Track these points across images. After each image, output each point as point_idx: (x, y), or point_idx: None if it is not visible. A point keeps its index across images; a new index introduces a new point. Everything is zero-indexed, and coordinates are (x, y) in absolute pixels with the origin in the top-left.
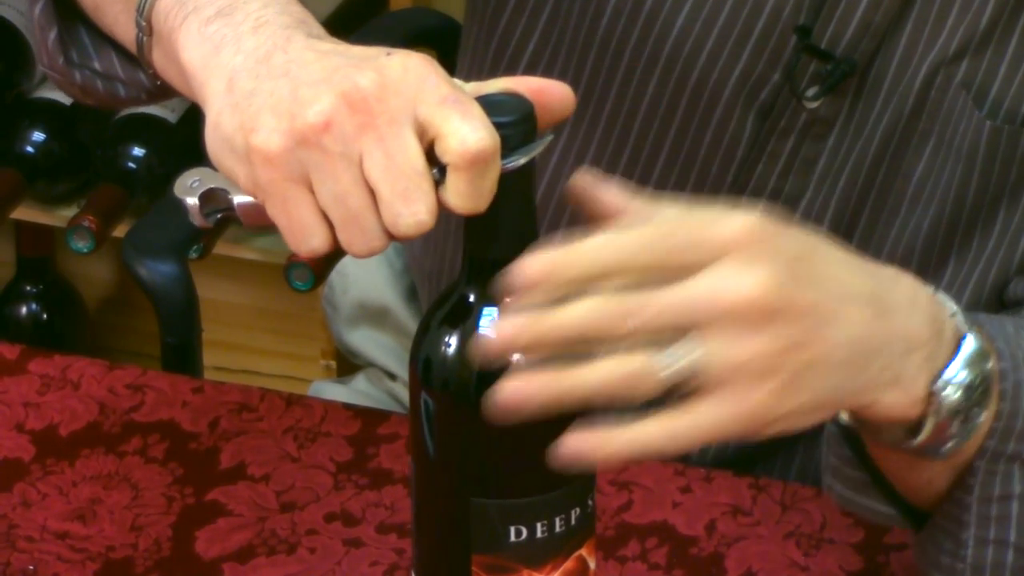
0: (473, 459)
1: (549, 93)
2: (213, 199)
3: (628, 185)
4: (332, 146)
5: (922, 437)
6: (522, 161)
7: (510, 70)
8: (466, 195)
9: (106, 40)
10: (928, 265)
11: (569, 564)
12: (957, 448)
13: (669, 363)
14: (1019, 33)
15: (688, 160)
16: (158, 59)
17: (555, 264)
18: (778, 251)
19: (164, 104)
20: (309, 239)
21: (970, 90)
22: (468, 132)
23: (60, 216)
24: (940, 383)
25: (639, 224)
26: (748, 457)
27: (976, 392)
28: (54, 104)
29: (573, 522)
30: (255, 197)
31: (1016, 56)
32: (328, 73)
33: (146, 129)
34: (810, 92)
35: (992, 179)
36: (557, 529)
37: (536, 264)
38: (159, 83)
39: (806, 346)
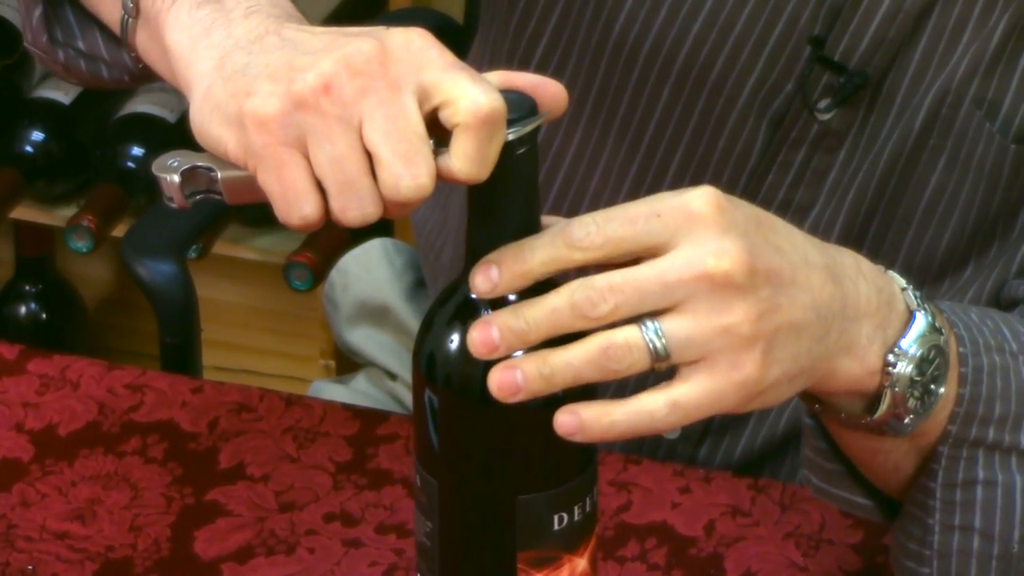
0: (517, 458)
1: (543, 90)
2: (195, 178)
3: (640, 191)
4: (330, 109)
5: (880, 411)
6: (522, 132)
7: (523, 70)
8: (472, 158)
9: (91, 20)
10: (945, 273)
11: (593, 542)
12: (918, 424)
13: (653, 337)
14: None
15: (700, 166)
16: (141, 41)
17: (517, 257)
18: (736, 220)
19: (163, 104)
20: (302, 206)
21: (981, 107)
22: (479, 93)
23: (59, 216)
24: (892, 355)
25: (601, 212)
26: (755, 461)
27: (931, 366)
28: (53, 104)
29: (596, 498)
30: (246, 165)
31: None
32: (326, 44)
33: (145, 129)
34: (822, 104)
35: (1016, 194)
36: (588, 508)
37: (498, 262)
38: (141, 66)
39: (777, 310)
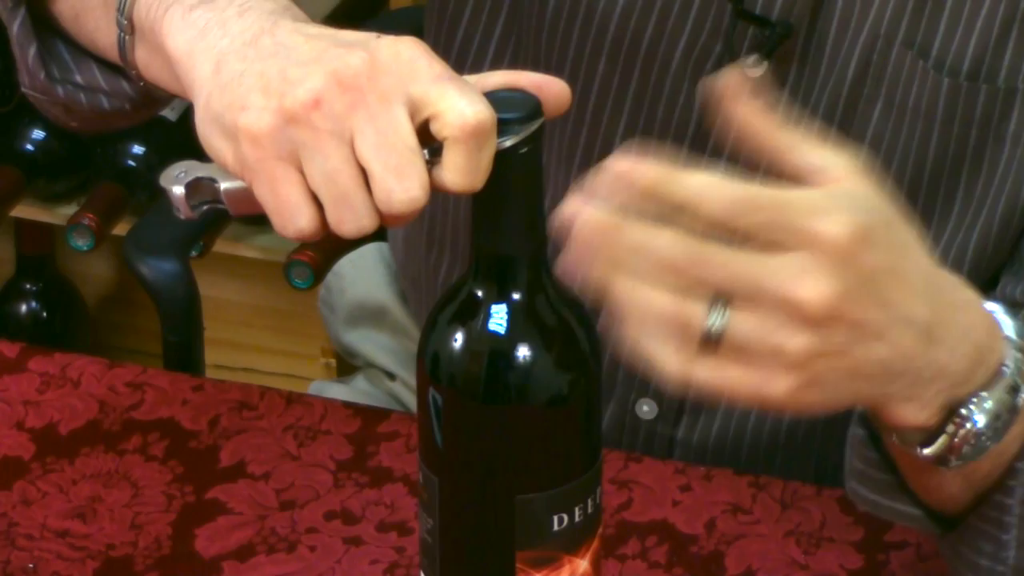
0: (517, 457)
1: (548, 89)
2: (200, 189)
3: (590, 164)
4: (322, 124)
5: (933, 450)
6: (517, 139)
7: (475, 66)
8: (463, 170)
9: (85, 54)
10: None
11: (596, 544)
12: (963, 465)
13: (714, 321)
14: None
15: (644, 135)
16: (141, 57)
17: (657, 178)
18: (858, 267)
19: None
20: (296, 219)
21: (912, 48)
22: (466, 105)
23: (60, 214)
24: (966, 408)
25: (749, 184)
26: (734, 440)
27: (999, 422)
28: None
29: (599, 500)
30: (243, 178)
31: (954, 11)
32: (318, 54)
33: (145, 127)
34: (750, 59)
35: (952, 139)
36: (589, 510)
37: (639, 168)
38: (142, 84)
39: (843, 355)
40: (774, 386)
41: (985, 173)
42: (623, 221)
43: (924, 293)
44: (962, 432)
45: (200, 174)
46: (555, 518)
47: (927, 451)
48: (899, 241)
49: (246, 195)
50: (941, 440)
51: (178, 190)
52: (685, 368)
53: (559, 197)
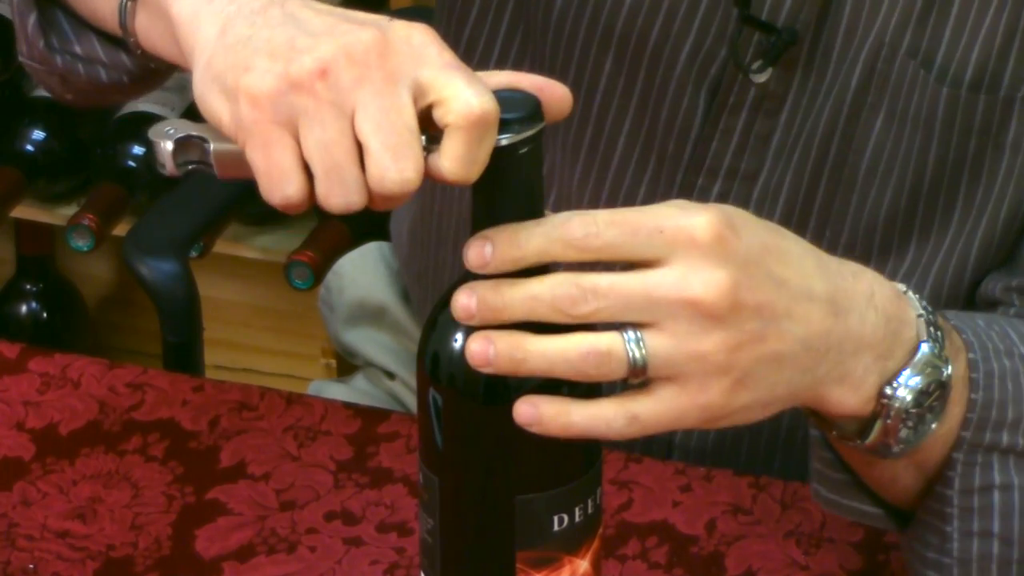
0: (517, 457)
1: (550, 92)
2: (188, 147)
3: (594, 163)
4: (325, 94)
5: (870, 438)
6: (515, 139)
7: (481, 65)
8: (461, 159)
9: (85, 26)
10: (891, 243)
11: (596, 544)
12: (907, 451)
13: (635, 349)
14: None
15: (648, 138)
16: (141, 24)
17: (506, 249)
18: (736, 251)
19: (164, 102)
20: (284, 185)
21: (916, 57)
22: (472, 95)
23: (60, 215)
24: (890, 387)
25: (604, 214)
26: (731, 443)
27: (929, 398)
28: (54, 103)
29: (599, 500)
30: (236, 139)
31: (959, 20)
32: (329, 27)
33: (146, 127)
34: (755, 65)
35: (951, 148)
36: (590, 510)
37: (484, 251)
38: (140, 53)
39: (761, 341)
40: (710, 392)
41: (985, 181)
42: (502, 284)
43: (814, 268)
44: (891, 412)
45: (191, 132)
46: (555, 518)
47: (867, 440)
48: (762, 225)
49: (236, 158)
50: (876, 426)
51: (167, 145)
52: (627, 411)
53: (563, 195)
